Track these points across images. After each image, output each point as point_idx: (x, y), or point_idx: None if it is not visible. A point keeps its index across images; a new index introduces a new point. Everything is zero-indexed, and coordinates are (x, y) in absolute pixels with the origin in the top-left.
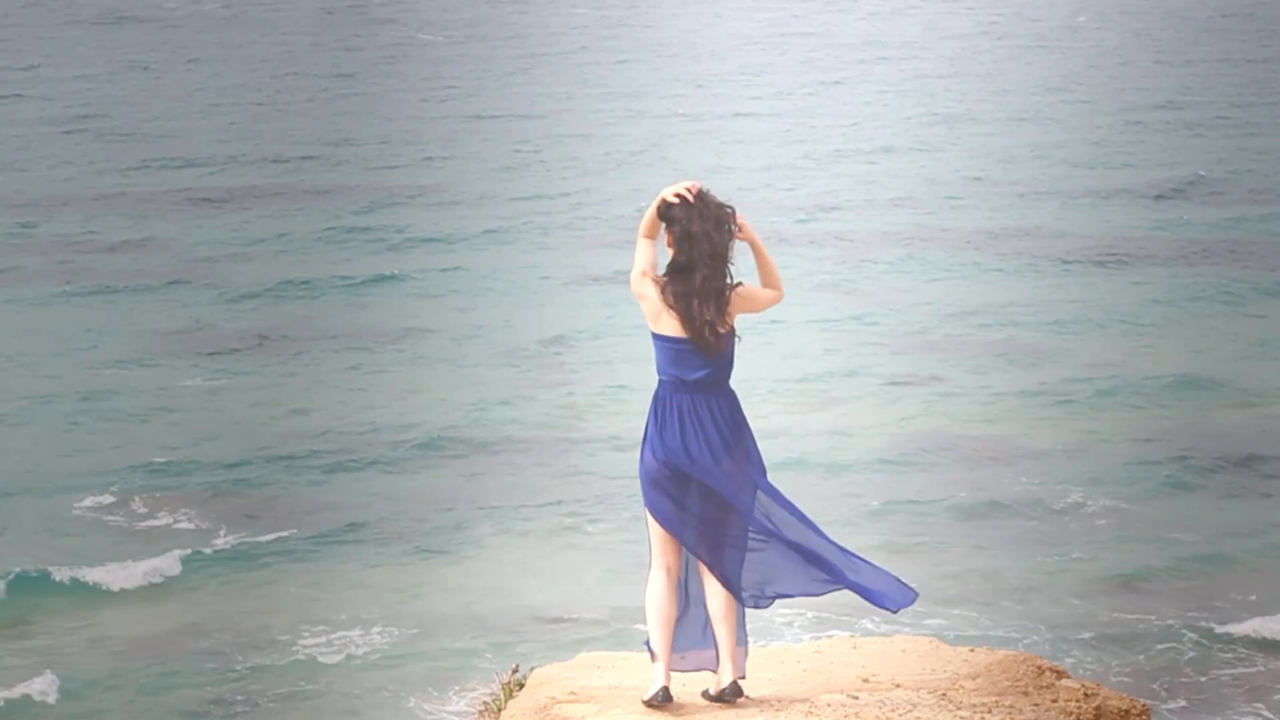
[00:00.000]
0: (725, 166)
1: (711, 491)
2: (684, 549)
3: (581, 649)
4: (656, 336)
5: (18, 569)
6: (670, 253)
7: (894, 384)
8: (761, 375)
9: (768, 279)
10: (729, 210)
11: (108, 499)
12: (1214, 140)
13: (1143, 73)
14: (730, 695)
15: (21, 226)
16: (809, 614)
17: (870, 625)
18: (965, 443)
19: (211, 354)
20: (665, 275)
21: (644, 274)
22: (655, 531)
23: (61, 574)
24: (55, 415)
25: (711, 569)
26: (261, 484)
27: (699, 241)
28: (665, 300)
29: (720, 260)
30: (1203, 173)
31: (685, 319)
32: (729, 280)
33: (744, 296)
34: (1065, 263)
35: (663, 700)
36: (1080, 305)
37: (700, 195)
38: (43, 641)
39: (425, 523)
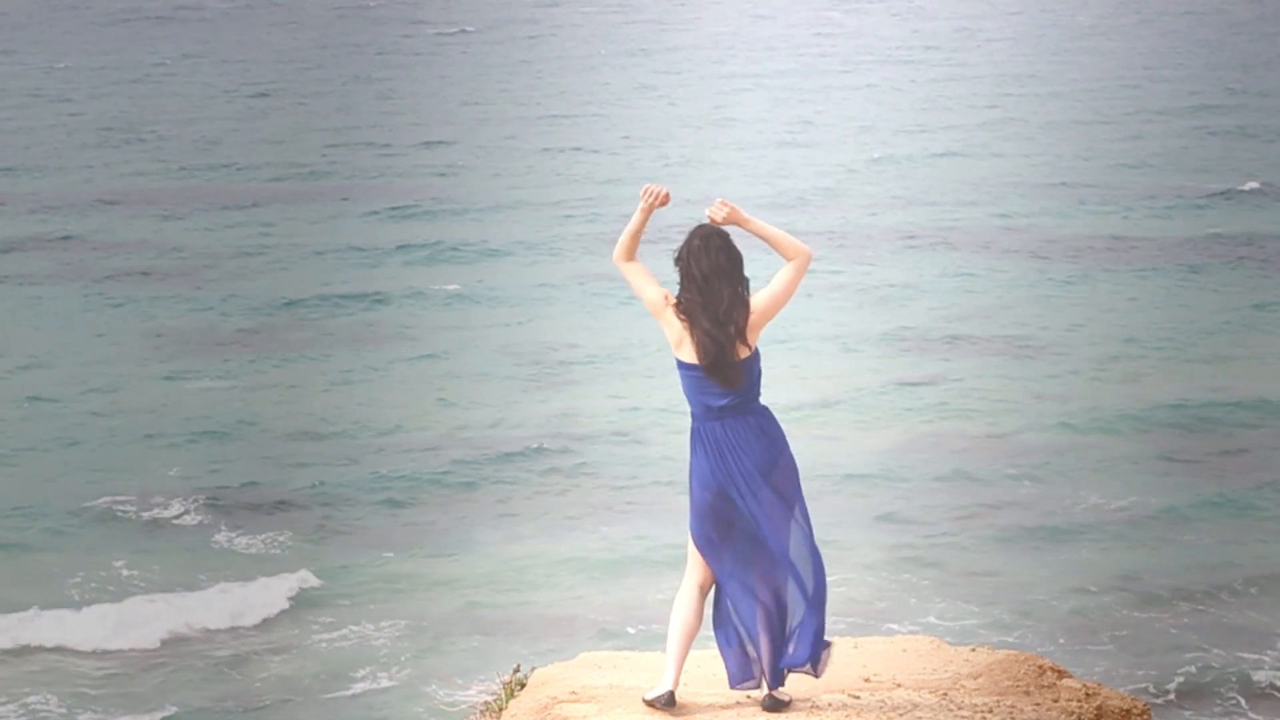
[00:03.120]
0: (756, 173)
1: (751, 529)
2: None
3: (583, 649)
4: (680, 364)
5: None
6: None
7: (904, 384)
8: (772, 378)
9: (785, 250)
10: (714, 233)
11: (124, 500)
12: (1258, 143)
13: (1183, 74)
14: (768, 706)
15: (47, 228)
16: None
17: (871, 624)
18: (970, 443)
19: (228, 359)
20: (686, 304)
21: (665, 298)
22: (693, 550)
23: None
24: (73, 421)
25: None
26: (270, 484)
27: (710, 280)
28: (690, 331)
29: (731, 283)
30: (1266, 180)
31: (703, 350)
32: (745, 296)
33: (761, 311)
34: (1088, 264)
35: (666, 704)
36: (1097, 307)
37: (697, 240)
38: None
39: (432, 522)
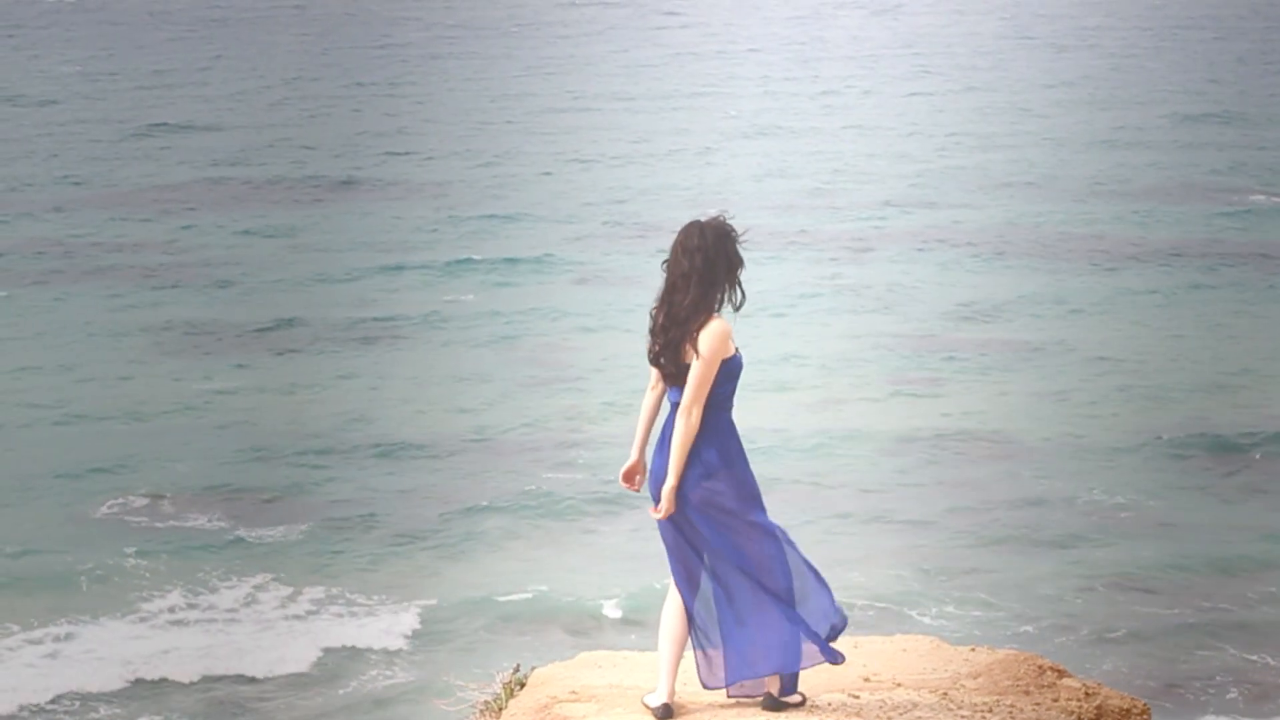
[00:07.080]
0: (780, 175)
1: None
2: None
3: (583, 648)
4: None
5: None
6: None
7: (902, 382)
8: (774, 378)
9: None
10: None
11: (134, 499)
12: None
13: (1207, 80)
14: (768, 705)
15: (68, 231)
16: None
17: (871, 624)
18: (968, 441)
19: (245, 363)
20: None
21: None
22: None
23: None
24: (92, 424)
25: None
26: (279, 485)
27: (676, 286)
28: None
29: (704, 286)
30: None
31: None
32: (714, 307)
33: (711, 334)
34: (1091, 262)
35: (664, 716)
36: (1106, 311)
37: (680, 239)
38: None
39: (432, 521)
